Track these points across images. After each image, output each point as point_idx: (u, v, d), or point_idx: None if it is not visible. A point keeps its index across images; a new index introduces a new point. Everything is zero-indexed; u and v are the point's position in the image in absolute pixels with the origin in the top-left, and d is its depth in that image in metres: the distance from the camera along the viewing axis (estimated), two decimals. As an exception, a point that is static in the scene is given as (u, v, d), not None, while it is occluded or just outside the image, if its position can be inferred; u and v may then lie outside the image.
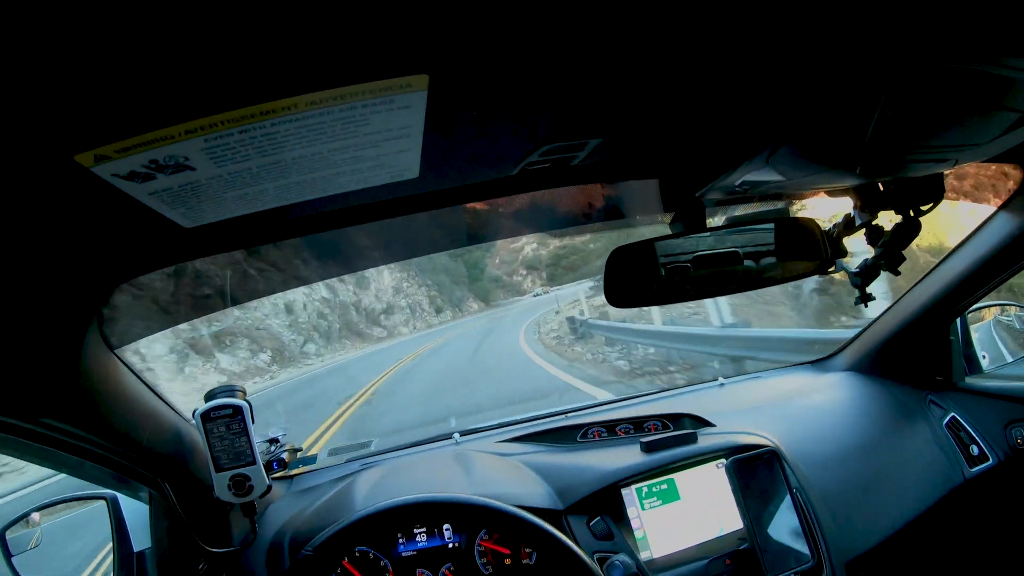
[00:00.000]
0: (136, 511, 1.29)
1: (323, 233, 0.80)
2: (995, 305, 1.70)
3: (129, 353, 1.03)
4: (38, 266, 0.63)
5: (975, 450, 1.53)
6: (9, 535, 1.22)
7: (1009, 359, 1.67)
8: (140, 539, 1.28)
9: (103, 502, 1.29)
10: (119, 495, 1.29)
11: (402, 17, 0.36)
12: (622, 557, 1.14)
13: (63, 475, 1.17)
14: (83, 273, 0.70)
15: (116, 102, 0.39)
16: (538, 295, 34.23)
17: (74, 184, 0.48)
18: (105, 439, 0.98)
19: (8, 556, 1.21)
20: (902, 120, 0.60)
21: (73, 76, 0.35)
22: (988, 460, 1.51)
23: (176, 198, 0.53)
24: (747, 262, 1.02)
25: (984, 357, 1.69)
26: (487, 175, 0.73)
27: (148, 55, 0.35)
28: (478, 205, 0.84)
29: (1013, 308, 1.72)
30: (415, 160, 0.58)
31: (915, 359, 1.66)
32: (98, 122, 0.41)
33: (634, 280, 0.96)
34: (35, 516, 1.30)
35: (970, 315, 1.65)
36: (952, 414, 1.58)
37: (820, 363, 1.89)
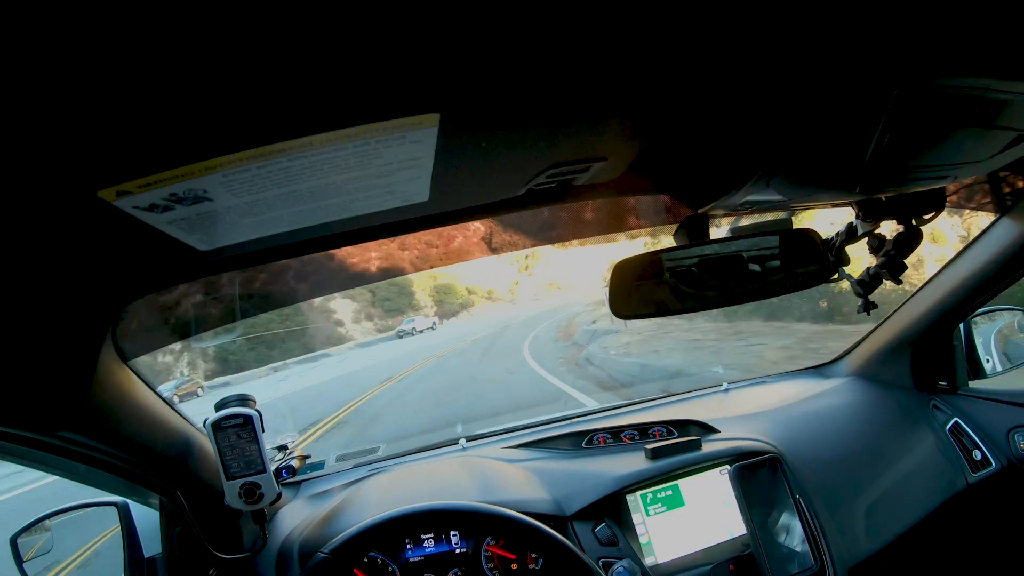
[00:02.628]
0: (147, 517, 1.30)
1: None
2: (998, 310, 1.70)
3: (141, 363, 1.05)
4: (56, 287, 0.65)
5: (978, 455, 1.53)
6: (21, 540, 1.24)
7: (1011, 364, 1.68)
8: (150, 545, 1.29)
9: (114, 508, 1.30)
10: (129, 501, 1.30)
11: (413, 62, 0.37)
12: (627, 562, 1.15)
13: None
14: (99, 293, 0.72)
15: (138, 142, 0.40)
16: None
17: (95, 215, 0.49)
18: (118, 449, 1.00)
19: (20, 562, 1.22)
20: (900, 142, 0.61)
21: (96, 117, 0.37)
22: (991, 465, 1.52)
23: (193, 225, 0.55)
24: (749, 273, 1.03)
25: (988, 362, 1.69)
26: (494, 196, 0.75)
27: (168, 97, 0.37)
28: (481, 223, 0.85)
29: (1016, 313, 1.72)
30: (425, 186, 0.59)
31: (918, 364, 1.67)
32: (120, 161, 0.42)
33: (638, 292, 0.97)
34: (47, 522, 1.32)
35: (974, 320, 1.65)
36: (955, 419, 1.59)
37: (823, 368, 1.89)
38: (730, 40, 0.44)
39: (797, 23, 0.43)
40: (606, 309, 0.96)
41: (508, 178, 0.68)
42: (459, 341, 17.09)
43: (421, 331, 24.49)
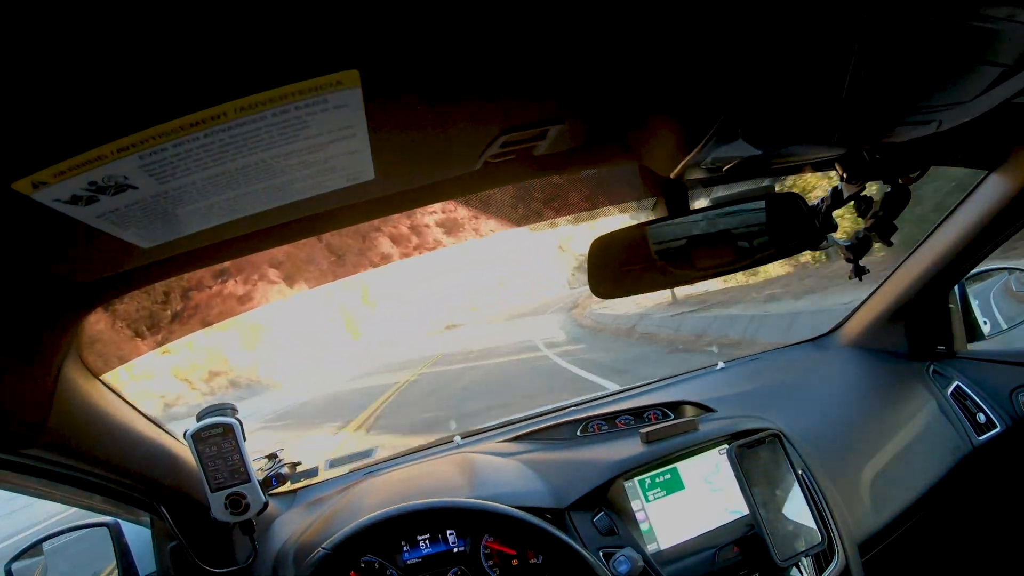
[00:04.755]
0: (140, 536, 1.28)
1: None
2: (993, 270, 1.67)
3: (116, 378, 1.02)
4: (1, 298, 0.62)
5: (982, 418, 1.51)
6: (15, 567, 1.21)
7: (1009, 324, 1.65)
8: (145, 564, 1.27)
9: (106, 529, 1.28)
10: (122, 521, 1.28)
11: (320, 12, 0.34)
12: (628, 551, 1.12)
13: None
14: (50, 301, 0.69)
15: (43, 125, 0.38)
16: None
17: (20, 213, 0.47)
18: (95, 466, 0.97)
19: None
20: (876, 80, 0.57)
21: None
22: (996, 427, 1.50)
23: (126, 218, 0.52)
24: (735, 243, 1.00)
25: (985, 323, 1.66)
26: (449, 172, 0.71)
27: (66, 74, 0.34)
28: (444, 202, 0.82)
29: (1011, 271, 1.69)
30: (367, 161, 0.56)
31: (915, 330, 1.64)
32: (28, 147, 0.39)
33: (619, 269, 0.94)
34: (40, 547, 1.29)
35: (968, 281, 1.62)
36: (956, 383, 1.56)
37: (819, 340, 1.87)
38: None
39: None
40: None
41: (459, 149, 0.64)
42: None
43: None
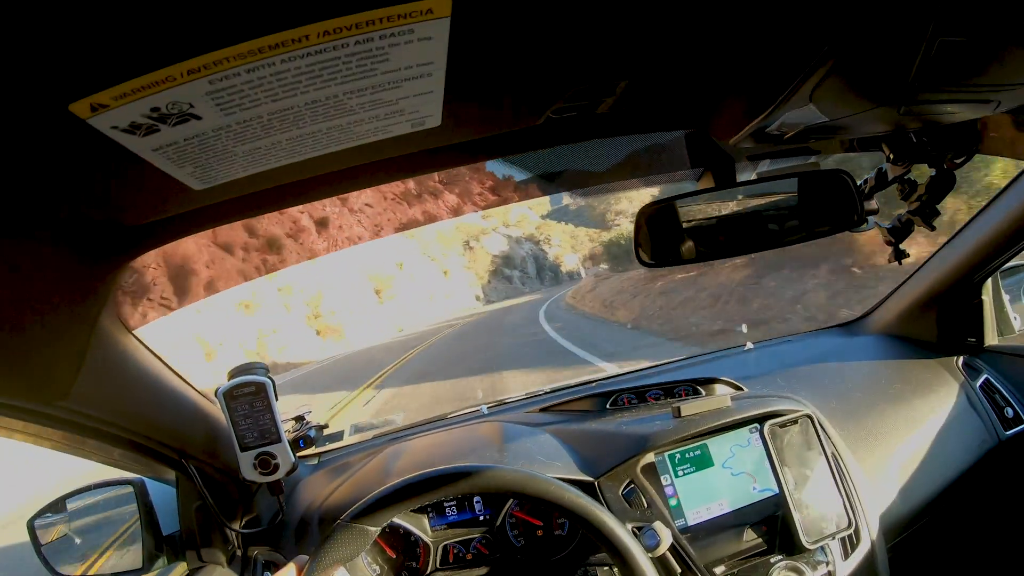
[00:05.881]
0: (164, 494, 1.28)
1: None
2: None
3: (149, 333, 1.02)
4: (43, 238, 0.60)
5: (1010, 412, 1.49)
6: (38, 524, 1.22)
7: None
8: (169, 523, 1.28)
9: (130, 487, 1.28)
10: (146, 480, 1.28)
11: None
12: (657, 525, 1.12)
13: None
14: (93, 243, 0.67)
15: (110, 39, 0.35)
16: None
17: (72, 141, 0.44)
18: (126, 422, 0.96)
19: (38, 545, 1.21)
20: (948, 53, 0.56)
21: (61, 13, 0.32)
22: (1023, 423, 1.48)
23: (183, 154, 0.50)
24: (779, 218, 0.99)
25: (1016, 319, 1.64)
26: (511, 125, 0.70)
27: None
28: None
29: None
30: (437, 104, 0.54)
31: (946, 321, 1.62)
32: (91, 64, 0.37)
33: (665, 239, 0.93)
34: (63, 504, 1.30)
35: (1003, 273, 1.60)
36: (986, 376, 1.54)
37: (849, 326, 1.85)
38: None
39: None
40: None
41: (526, 98, 0.62)
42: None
43: None
